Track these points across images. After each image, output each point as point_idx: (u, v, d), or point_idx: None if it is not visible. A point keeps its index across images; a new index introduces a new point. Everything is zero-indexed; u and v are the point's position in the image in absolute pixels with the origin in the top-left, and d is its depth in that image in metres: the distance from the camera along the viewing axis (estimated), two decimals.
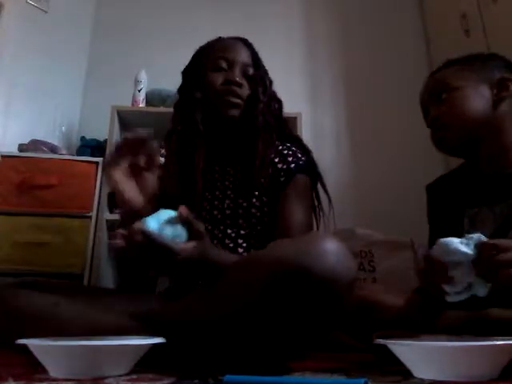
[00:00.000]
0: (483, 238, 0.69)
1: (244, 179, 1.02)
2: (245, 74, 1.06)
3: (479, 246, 0.67)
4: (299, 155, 1.05)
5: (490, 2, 1.62)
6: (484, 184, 0.97)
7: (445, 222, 1.01)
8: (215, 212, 1.03)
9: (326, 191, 1.08)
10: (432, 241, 1.04)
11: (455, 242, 0.69)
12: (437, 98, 1.00)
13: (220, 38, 1.13)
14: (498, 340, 0.58)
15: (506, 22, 1.55)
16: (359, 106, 2.16)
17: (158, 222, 0.74)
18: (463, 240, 0.69)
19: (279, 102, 1.13)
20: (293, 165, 1.02)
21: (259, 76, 1.07)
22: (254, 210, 1.01)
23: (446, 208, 1.01)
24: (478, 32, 1.68)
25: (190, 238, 0.76)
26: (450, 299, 0.70)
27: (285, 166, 1.02)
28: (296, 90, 2.09)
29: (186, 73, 1.14)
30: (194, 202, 1.01)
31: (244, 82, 1.05)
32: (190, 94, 1.07)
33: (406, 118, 2.08)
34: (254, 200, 1.01)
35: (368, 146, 2.10)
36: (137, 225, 0.72)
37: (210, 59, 1.07)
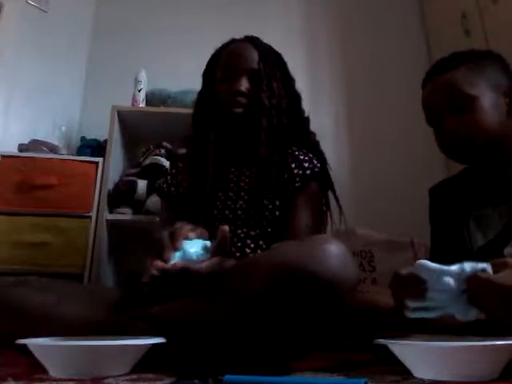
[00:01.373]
0: (480, 266, 0.64)
1: (254, 182, 1.04)
2: (251, 80, 1.06)
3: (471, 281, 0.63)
4: (315, 162, 1.07)
5: (490, 2, 1.62)
6: (489, 185, 0.97)
7: (449, 224, 1.00)
8: (227, 212, 1.04)
9: (337, 200, 1.11)
10: (434, 243, 1.05)
11: (445, 271, 0.65)
12: (452, 105, 0.94)
13: (233, 40, 1.14)
14: (497, 340, 0.58)
15: (506, 21, 1.55)
16: (359, 105, 2.16)
17: (192, 254, 0.76)
18: (455, 269, 0.65)
19: (296, 98, 1.14)
20: (308, 171, 1.04)
21: (266, 79, 1.06)
22: (266, 213, 1.02)
23: (450, 210, 1.01)
24: (478, 32, 1.68)
25: (214, 252, 0.77)
26: (409, 314, 0.67)
27: (300, 172, 1.04)
28: None
29: (203, 76, 1.16)
30: (203, 202, 1.04)
31: (248, 88, 1.05)
32: (201, 102, 1.13)
33: (405, 118, 2.08)
34: (267, 203, 1.02)
35: (368, 145, 2.10)
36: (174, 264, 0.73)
37: (218, 67, 1.10)
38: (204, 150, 1.07)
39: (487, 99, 0.93)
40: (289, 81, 1.14)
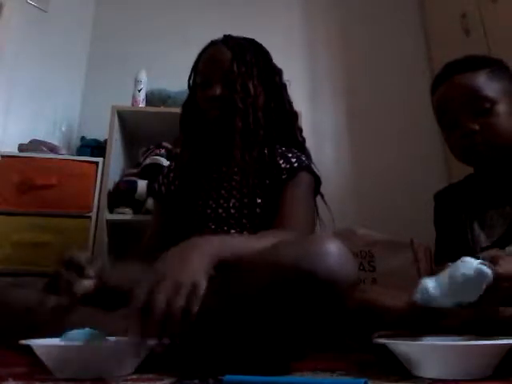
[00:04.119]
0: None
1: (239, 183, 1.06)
2: (225, 83, 1.06)
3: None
4: (303, 158, 1.09)
5: (490, 2, 1.62)
6: (493, 188, 0.97)
7: (454, 227, 1.01)
8: (220, 210, 1.05)
9: (321, 196, 1.12)
10: (439, 247, 1.05)
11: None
12: (473, 107, 0.92)
13: (210, 42, 1.14)
14: (490, 340, 0.59)
15: (506, 21, 1.55)
16: (359, 105, 2.16)
17: None
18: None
19: (279, 90, 1.14)
20: (296, 164, 1.06)
21: (240, 80, 1.06)
22: (258, 210, 1.03)
23: (455, 214, 1.01)
24: (478, 32, 1.68)
25: None
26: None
27: (288, 166, 1.05)
28: (296, 89, 2.09)
29: (188, 82, 1.18)
30: (195, 201, 1.08)
31: (221, 92, 1.06)
32: (186, 106, 1.17)
33: (406, 118, 2.09)
34: (259, 201, 1.04)
35: (368, 145, 2.10)
36: None
37: (197, 73, 1.13)
38: (193, 151, 1.13)
39: (505, 105, 0.93)
40: (270, 73, 1.13)
